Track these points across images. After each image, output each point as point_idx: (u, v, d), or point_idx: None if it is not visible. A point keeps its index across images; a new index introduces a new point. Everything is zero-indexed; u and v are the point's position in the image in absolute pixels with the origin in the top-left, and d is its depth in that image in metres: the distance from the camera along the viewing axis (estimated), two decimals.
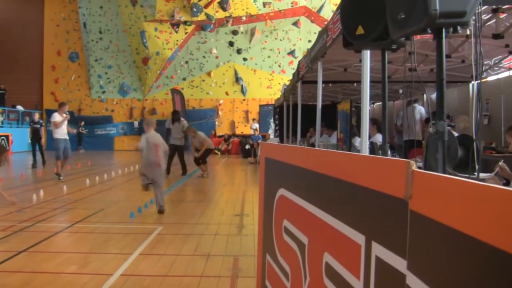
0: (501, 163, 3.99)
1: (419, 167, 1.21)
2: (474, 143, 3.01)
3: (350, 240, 1.33)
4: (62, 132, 10.59)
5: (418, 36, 4.30)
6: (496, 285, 0.70)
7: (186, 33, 25.14)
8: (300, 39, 24.91)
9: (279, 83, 23.72)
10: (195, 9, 24.74)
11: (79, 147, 23.57)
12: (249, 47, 25.18)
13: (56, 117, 10.61)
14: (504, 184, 3.89)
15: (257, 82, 25.20)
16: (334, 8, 19.35)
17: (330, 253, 1.54)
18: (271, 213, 2.55)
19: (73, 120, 24.78)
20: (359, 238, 1.27)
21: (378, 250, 1.15)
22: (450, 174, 2.89)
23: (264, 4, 25.00)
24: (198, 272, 3.98)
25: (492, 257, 0.70)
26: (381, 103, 3.88)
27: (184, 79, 25.46)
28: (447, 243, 0.83)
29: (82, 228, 5.74)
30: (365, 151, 3.83)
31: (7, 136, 21.58)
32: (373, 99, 12.10)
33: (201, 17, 24.98)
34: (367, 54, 3.77)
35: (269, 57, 25.16)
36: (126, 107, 25.71)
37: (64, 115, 10.62)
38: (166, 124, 11.85)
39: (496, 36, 4.90)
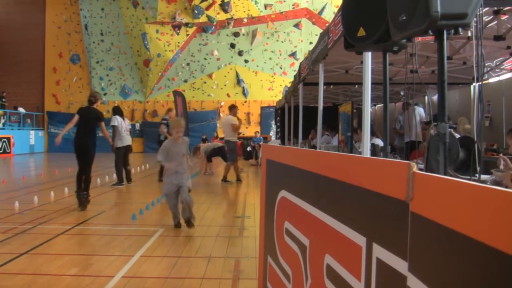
0: (501, 155, 3.98)
1: (420, 169, 1.21)
2: (476, 144, 3.01)
3: (351, 242, 1.33)
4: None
5: (419, 38, 4.30)
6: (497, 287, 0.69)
7: (187, 35, 25.18)
8: (302, 41, 24.94)
9: (281, 85, 23.76)
10: (196, 11, 24.79)
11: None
12: (251, 49, 25.19)
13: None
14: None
15: (259, 84, 25.21)
16: (336, 10, 19.36)
17: (331, 255, 1.54)
18: (273, 215, 2.55)
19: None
20: (360, 240, 1.27)
21: (379, 251, 1.15)
22: (451, 175, 2.88)
23: (266, 6, 25.04)
24: (200, 274, 3.98)
25: (493, 259, 0.70)
26: (382, 105, 3.88)
27: (185, 81, 25.48)
28: (448, 245, 0.83)
29: (83, 230, 5.75)
30: (366, 153, 3.83)
31: (8, 139, 21.57)
32: (374, 101, 12.12)
33: (203, 19, 25.02)
34: (368, 56, 3.78)
35: (270, 59, 25.17)
36: (127, 109, 25.72)
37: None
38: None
39: (498, 38, 4.92)
